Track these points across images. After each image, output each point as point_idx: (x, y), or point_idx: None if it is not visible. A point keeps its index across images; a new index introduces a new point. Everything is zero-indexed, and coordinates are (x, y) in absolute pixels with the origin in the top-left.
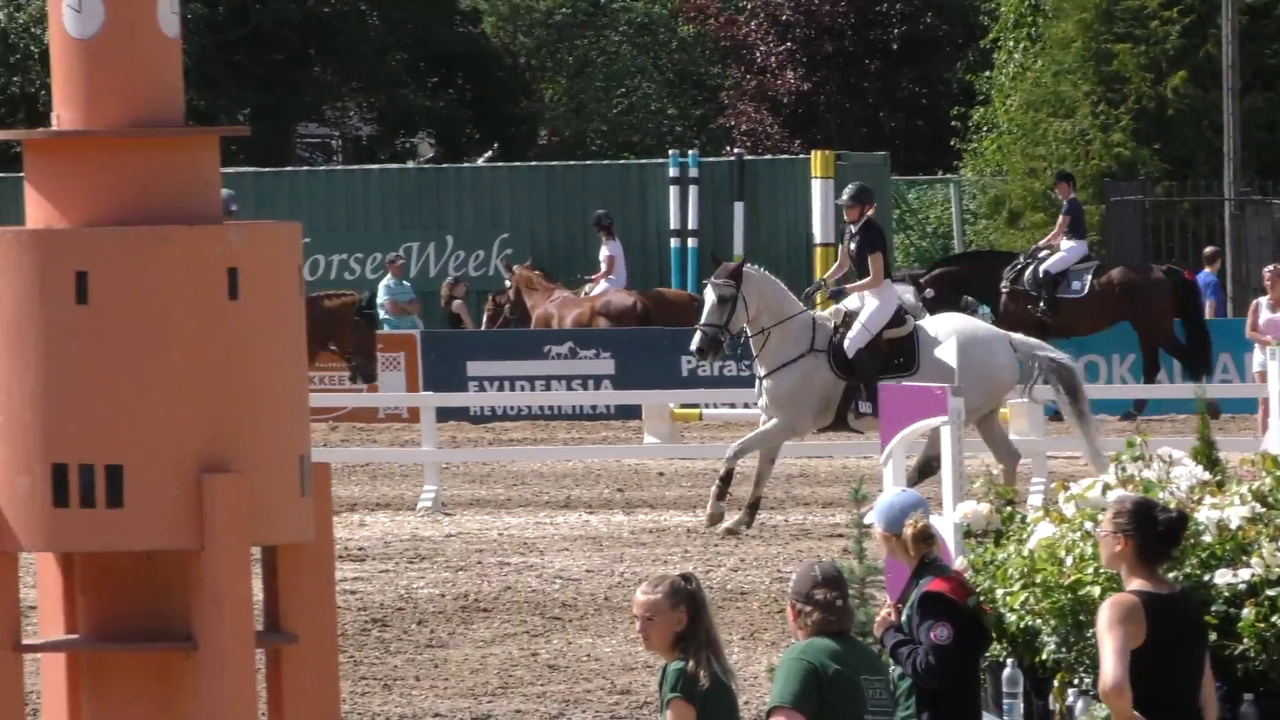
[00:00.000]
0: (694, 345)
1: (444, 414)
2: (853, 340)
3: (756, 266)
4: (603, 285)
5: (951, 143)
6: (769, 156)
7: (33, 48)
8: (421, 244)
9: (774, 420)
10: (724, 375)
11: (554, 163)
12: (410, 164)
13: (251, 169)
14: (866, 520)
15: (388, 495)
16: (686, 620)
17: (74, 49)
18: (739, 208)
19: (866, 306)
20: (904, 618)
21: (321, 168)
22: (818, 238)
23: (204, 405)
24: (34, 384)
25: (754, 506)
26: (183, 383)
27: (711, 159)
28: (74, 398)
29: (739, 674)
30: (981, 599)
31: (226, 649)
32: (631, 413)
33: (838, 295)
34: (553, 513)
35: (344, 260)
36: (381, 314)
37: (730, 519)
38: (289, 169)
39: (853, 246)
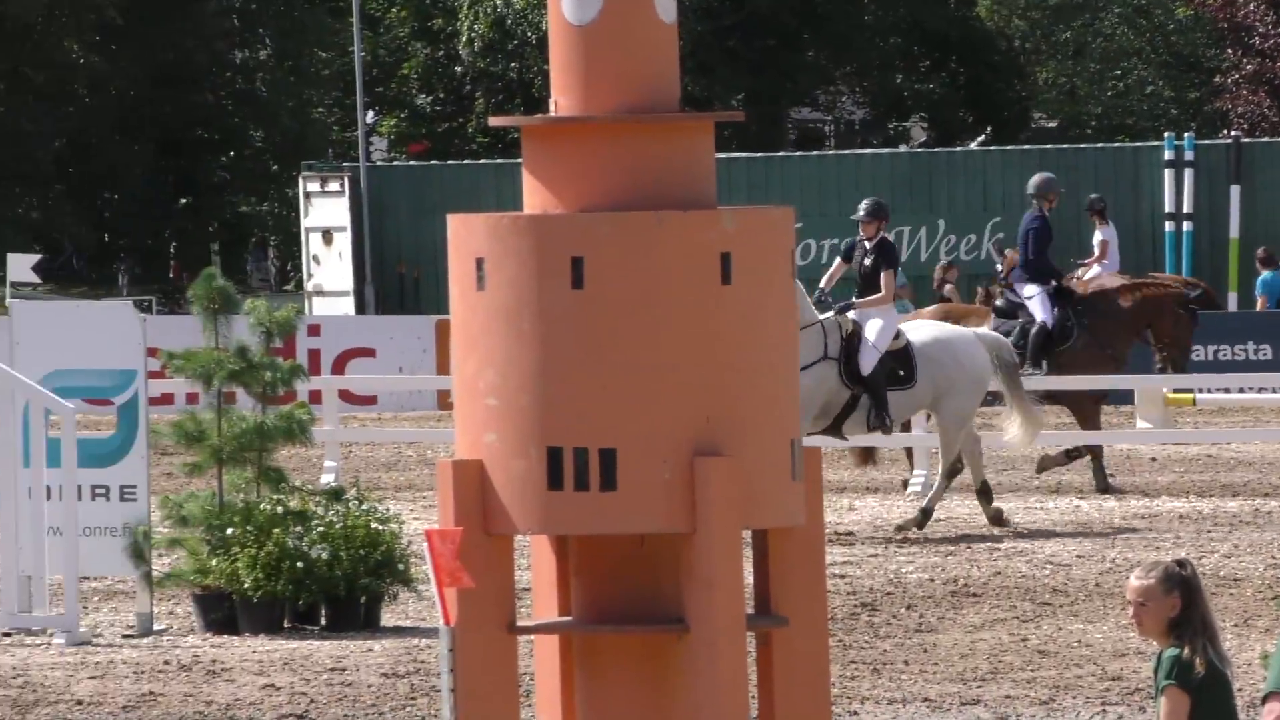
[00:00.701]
0: None
1: None
2: (865, 360)
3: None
4: (1095, 270)
5: None
6: (1266, 139)
7: (530, 34)
8: (913, 228)
9: None
10: (1219, 360)
11: (1047, 146)
12: (902, 148)
13: (744, 154)
14: None
15: (877, 479)
16: (1181, 606)
17: (572, 35)
18: (1235, 191)
19: (871, 325)
20: None
21: (813, 153)
22: None
23: (696, 389)
24: (530, 368)
25: None
26: (676, 367)
27: (1207, 141)
28: (569, 381)
29: (1232, 661)
30: None
31: (718, 631)
32: (1124, 398)
33: (844, 310)
34: (1043, 498)
35: (835, 245)
36: None
37: None
38: (781, 154)
39: (866, 262)
